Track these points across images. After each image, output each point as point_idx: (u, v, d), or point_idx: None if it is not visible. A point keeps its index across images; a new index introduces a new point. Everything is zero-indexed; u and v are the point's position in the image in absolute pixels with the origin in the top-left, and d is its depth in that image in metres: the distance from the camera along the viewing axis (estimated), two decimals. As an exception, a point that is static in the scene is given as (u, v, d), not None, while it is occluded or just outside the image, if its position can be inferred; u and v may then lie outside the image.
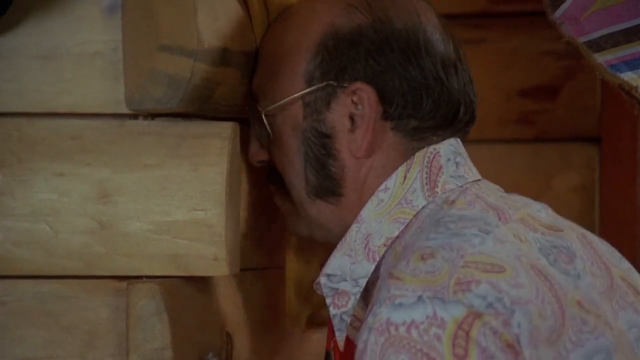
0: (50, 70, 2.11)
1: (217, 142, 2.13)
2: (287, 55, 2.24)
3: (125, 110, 2.10)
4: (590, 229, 2.27)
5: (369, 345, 2.01)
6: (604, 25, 2.55)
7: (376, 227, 2.23)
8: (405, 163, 2.26)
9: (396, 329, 1.99)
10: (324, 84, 2.21)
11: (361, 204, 2.25)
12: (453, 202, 2.22)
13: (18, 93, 2.15)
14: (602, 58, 2.55)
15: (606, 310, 2.18)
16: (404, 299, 2.02)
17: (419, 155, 2.26)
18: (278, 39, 2.27)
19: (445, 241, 2.12)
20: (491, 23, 2.37)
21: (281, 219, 2.45)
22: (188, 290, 2.18)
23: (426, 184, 2.25)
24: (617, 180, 3.09)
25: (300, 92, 2.21)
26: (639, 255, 3.19)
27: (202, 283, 2.22)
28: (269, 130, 2.25)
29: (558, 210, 2.31)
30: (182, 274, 2.14)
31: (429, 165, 2.26)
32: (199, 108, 2.16)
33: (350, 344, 2.29)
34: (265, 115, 2.24)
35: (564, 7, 2.55)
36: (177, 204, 2.12)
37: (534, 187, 2.26)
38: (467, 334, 1.99)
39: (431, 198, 2.24)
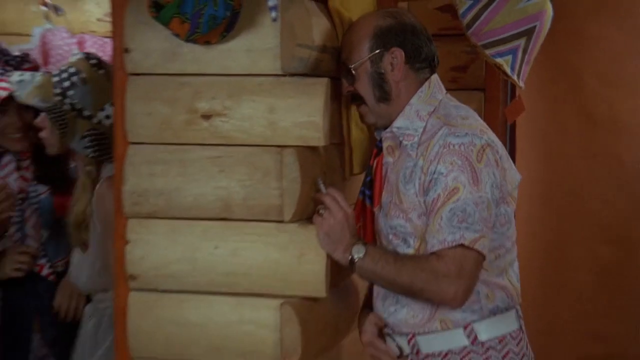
0: (251, 57, 2.12)
1: (320, 87, 2.13)
2: (360, 40, 2.25)
3: (281, 72, 2.12)
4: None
5: (439, 152, 2.12)
6: (490, 37, 2.65)
7: (421, 106, 2.25)
8: (429, 80, 2.29)
9: (453, 146, 2.12)
10: (378, 51, 2.23)
11: (400, 104, 2.26)
12: (450, 99, 2.32)
13: (234, 67, 2.15)
14: (488, 51, 2.66)
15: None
16: (459, 132, 2.14)
17: (432, 78, 2.30)
18: (353, 34, 2.28)
19: (466, 113, 2.26)
20: (440, 38, 2.44)
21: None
22: (307, 152, 2.17)
23: (439, 89, 2.30)
24: (491, 109, 3.15)
25: (368, 56, 2.23)
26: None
27: (313, 149, 2.20)
28: (354, 75, 2.25)
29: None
30: (304, 144, 2.14)
31: (437, 82, 2.31)
32: (312, 71, 2.18)
33: (379, 163, 2.34)
34: (353, 68, 2.25)
35: (472, 29, 2.65)
36: (302, 114, 2.11)
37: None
38: (484, 150, 2.12)
39: (442, 96, 2.29)
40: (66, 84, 2.58)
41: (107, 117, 2.64)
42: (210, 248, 2.18)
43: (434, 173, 2.12)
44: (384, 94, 2.27)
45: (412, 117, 2.25)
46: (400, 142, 2.26)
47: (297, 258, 2.14)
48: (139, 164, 2.21)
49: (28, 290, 2.93)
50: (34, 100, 2.61)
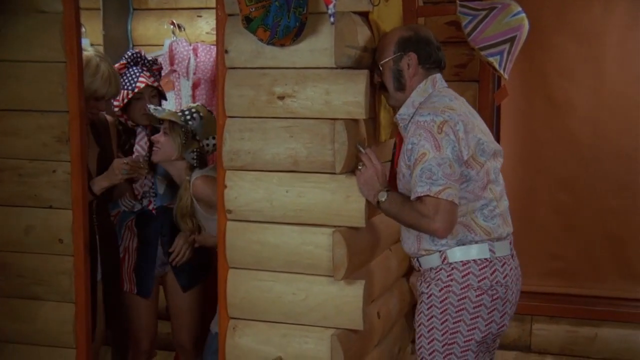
0: (313, 55, 2.00)
1: (362, 76, 1.99)
2: (387, 45, 2.11)
3: (334, 66, 2.00)
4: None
5: (411, 128, 2.01)
6: (484, 42, 2.46)
7: (416, 98, 2.10)
8: (426, 79, 2.11)
9: (419, 122, 1.99)
10: (399, 53, 2.09)
11: (410, 93, 2.11)
12: (440, 90, 2.11)
13: (301, 62, 2.02)
14: (483, 53, 2.47)
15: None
16: (423, 112, 2.00)
17: (429, 77, 2.12)
18: (384, 40, 2.13)
19: (438, 99, 2.04)
20: (447, 44, 2.28)
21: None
22: (352, 123, 2.05)
23: (432, 85, 2.11)
24: (484, 95, 2.95)
25: (392, 56, 2.09)
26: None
27: (356, 121, 2.09)
28: (381, 70, 2.12)
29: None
30: (350, 117, 2.01)
31: (433, 80, 2.12)
32: (356, 65, 2.04)
33: (400, 137, 2.18)
34: (380, 65, 2.12)
35: (471, 37, 2.48)
36: (349, 94, 1.99)
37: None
38: (443, 126, 1.96)
39: (432, 89, 2.10)
40: (189, 117, 2.64)
41: (208, 144, 2.67)
42: (283, 191, 2.10)
43: (410, 144, 2.00)
44: (400, 85, 2.12)
45: (409, 106, 2.12)
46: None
47: (345, 199, 2.05)
48: (233, 131, 2.13)
49: (153, 219, 2.85)
50: (172, 117, 2.64)
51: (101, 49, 3.21)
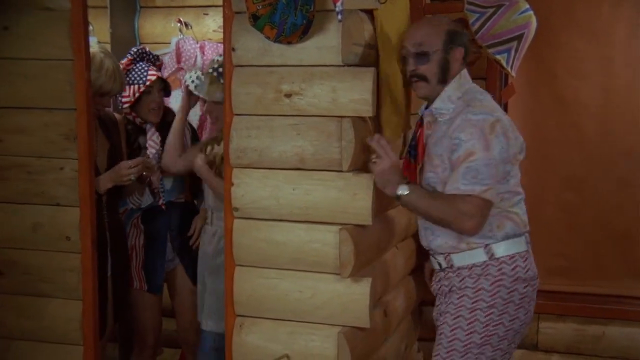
0: (320, 52, 2.00)
1: (369, 74, 1.97)
2: (437, 35, 2.08)
3: (341, 63, 1.98)
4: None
5: (462, 124, 1.99)
6: (492, 40, 2.44)
7: (452, 92, 2.11)
8: (459, 74, 2.13)
9: (471, 120, 1.98)
10: (450, 45, 2.09)
11: (445, 86, 2.11)
12: (473, 86, 2.16)
13: (308, 59, 2.02)
14: (490, 50, 2.46)
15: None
16: (476, 111, 2.02)
17: (462, 72, 2.14)
18: (430, 29, 2.11)
19: (482, 97, 2.12)
20: None
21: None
22: (359, 121, 2.03)
23: (466, 80, 2.15)
24: (490, 92, 2.84)
25: (443, 47, 2.08)
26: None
27: (363, 118, 2.06)
28: (430, 58, 2.09)
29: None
30: (357, 114, 1.99)
31: (465, 74, 2.15)
32: (363, 63, 2.02)
33: (422, 132, 2.18)
34: (430, 52, 2.07)
35: (479, 34, 2.46)
36: (356, 91, 1.97)
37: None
38: (494, 125, 1.98)
39: (468, 84, 2.14)
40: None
41: None
42: (289, 189, 2.09)
43: (457, 139, 2.00)
44: (444, 77, 2.12)
45: (445, 101, 2.12)
46: (436, 118, 2.15)
47: (351, 197, 2.04)
48: (240, 129, 2.12)
49: (161, 214, 2.84)
50: (218, 96, 2.50)
51: (108, 47, 3.22)
